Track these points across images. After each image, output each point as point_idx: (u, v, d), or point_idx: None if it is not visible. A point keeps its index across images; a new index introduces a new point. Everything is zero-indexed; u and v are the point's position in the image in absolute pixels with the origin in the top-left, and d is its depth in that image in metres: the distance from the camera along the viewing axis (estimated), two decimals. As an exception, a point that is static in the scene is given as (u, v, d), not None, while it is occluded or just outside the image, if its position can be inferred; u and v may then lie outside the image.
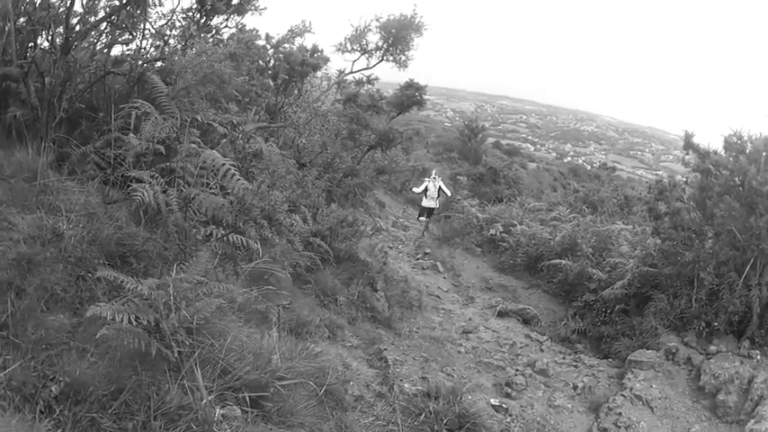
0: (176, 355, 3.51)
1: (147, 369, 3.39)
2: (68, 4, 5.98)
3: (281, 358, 4.27)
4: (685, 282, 8.12)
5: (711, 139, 8.38)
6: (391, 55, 12.68)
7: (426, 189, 15.86)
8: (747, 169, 7.42)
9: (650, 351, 7.66)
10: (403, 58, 12.65)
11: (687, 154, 8.43)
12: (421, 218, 16.61)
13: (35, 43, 6.31)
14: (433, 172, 16.75)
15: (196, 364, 3.51)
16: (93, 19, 6.58)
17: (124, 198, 4.85)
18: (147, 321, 3.41)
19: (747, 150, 7.72)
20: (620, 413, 6.51)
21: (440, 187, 15.94)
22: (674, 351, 7.51)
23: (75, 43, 6.05)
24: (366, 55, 12.80)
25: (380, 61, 12.79)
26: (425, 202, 16.05)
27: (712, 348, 7.31)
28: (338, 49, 12.76)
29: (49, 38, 6.14)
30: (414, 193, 17.54)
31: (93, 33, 6.85)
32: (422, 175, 19.73)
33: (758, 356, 7.02)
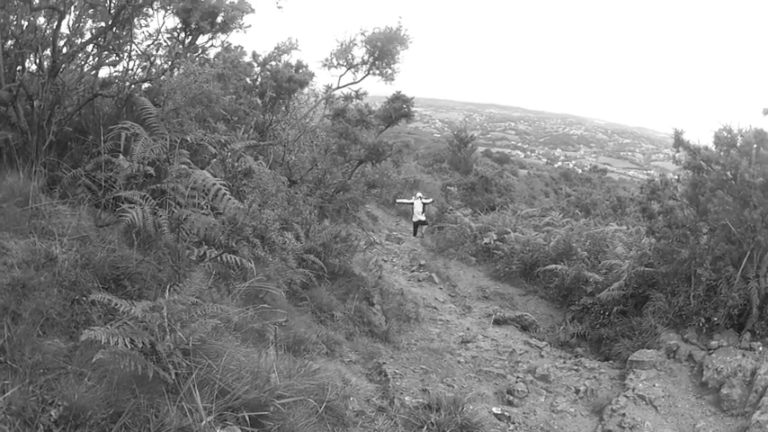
0: (173, 376, 3.48)
1: (145, 392, 3.36)
2: (55, 27, 5.97)
3: (280, 376, 4.23)
4: (682, 279, 8.14)
5: (701, 136, 8.44)
6: (377, 68, 12.64)
7: (413, 206, 18.10)
8: (739, 163, 7.46)
9: (651, 350, 7.66)
10: (389, 71, 12.60)
11: (678, 152, 8.48)
12: (415, 236, 18.42)
13: (23, 66, 6.31)
14: (418, 194, 18.56)
15: (194, 386, 3.47)
16: (79, 41, 6.58)
17: (116, 221, 4.81)
18: (143, 344, 3.38)
19: (738, 144, 7.76)
20: (623, 414, 6.48)
21: (423, 204, 18.03)
22: (674, 349, 7.50)
23: (63, 66, 6.04)
24: (352, 69, 12.76)
25: (367, 75, 12.76)
26: (414, 218, 18.26)
27: (713, 343, 7.31)
28: (324, 65, 12.73)
29: (37, 60, 6.13)
30: (399, 203, 19.91)
31: (80, 55, 6.85)
32: (413, 188, 21.12)
33: (760, 348, 7.03)
